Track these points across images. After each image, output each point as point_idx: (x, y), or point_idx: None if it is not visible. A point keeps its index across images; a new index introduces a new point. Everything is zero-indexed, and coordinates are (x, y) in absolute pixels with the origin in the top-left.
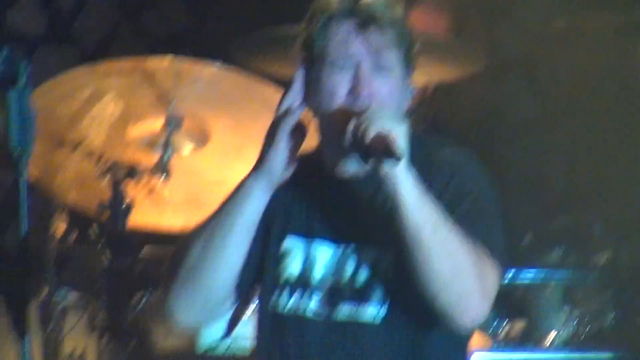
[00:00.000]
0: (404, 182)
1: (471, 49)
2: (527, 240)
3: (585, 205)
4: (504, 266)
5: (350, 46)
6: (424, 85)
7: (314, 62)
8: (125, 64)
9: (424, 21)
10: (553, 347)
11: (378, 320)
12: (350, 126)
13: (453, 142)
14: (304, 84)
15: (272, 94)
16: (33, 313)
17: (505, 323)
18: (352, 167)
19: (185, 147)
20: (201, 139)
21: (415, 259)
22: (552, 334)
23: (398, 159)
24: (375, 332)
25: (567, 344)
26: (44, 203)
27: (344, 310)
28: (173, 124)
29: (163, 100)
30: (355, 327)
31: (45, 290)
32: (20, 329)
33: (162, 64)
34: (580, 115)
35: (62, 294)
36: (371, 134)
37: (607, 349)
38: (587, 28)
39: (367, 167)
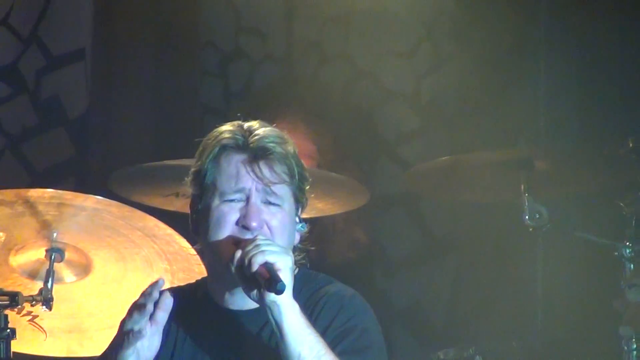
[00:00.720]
0: (288, 312)
1: (356, 184)
2: None
3: (467, 340)
4: None
5: (241, 179)
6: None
7: (205, 193)
8: (7, 194)
9: (308, 157)
10: None
11: None
12: (237, 254)
13: (338, 279)
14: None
15: (153, 224)
16: None
17: None
18: (239, 300)
19: (67, 277)
20: (83, 269)
21: None
22: None
23: (281, 290)
24: None
25: None
26: None
27: None
28: (55, 254)
29: (45, 230)
30: None
31: None
32: None
33: (44, 194)
34: (462, 249)
35: None
36: (257, 263)
37: None
38: (469, 164)
39: (252, 297)
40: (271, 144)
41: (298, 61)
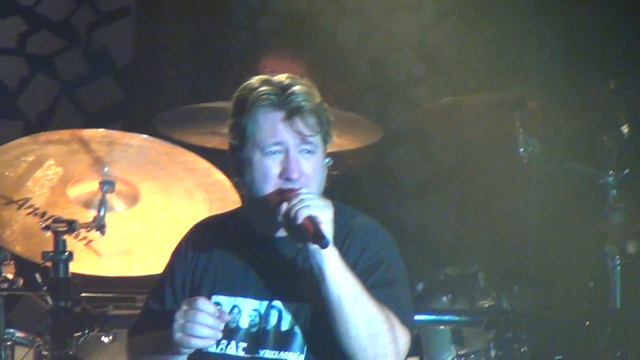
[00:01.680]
0: (330, 260)
1: (371, 122)
2: (420, 287)
3: (471, 258)
4: (413, 330)
5: (279, 134)
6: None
7: (245, 144)
8: (64, 134)
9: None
10: None
11: None
12: (283, 207)
13: (364, 212)
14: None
15: (193, 159)
16: None
17: None
18: (276, 228)
19: (118, 206)
20: (131, 199)
21: (337, 324)
22: None
23: (325, 245)
24: None
25: None
26: None
27: (267, 355)
28: (107, 186)
29: (98, 165)
30: None
31: None
32: None
33: (96, 134)
34: (465, 179)
35: (10, 333)
36: (301, 217)
37: None
38: (470, 104)
39: (298, 245)
40: (303, 102)
41: (318, 15)
